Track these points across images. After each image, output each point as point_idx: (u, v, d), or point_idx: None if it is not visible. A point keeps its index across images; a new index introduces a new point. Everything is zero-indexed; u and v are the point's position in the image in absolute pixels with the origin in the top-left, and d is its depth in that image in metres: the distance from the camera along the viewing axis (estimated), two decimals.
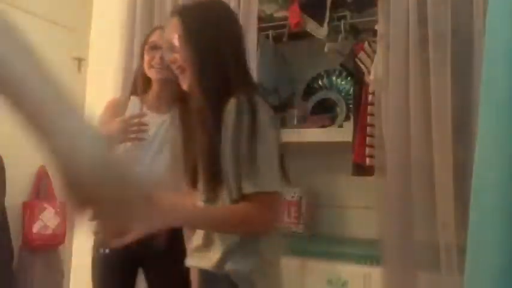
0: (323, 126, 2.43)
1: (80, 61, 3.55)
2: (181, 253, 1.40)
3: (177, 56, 1.25)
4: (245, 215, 1.14)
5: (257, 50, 2.24)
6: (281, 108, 2.60)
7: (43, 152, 0.64)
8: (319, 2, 2.29)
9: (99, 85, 2.54)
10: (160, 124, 1.56)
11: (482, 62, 1.05)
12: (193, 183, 1.24)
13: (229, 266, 1.16)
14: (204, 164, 1.17)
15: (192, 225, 1.23)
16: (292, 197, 2.42)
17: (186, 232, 1.62)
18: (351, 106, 2.43)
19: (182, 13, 1.26)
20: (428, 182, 1.74)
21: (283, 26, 2.42)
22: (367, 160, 2.06)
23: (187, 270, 1.41)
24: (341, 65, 2.32)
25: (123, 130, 1.43)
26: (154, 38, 1.58)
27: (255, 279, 1.16)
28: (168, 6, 2.32)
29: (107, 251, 1.50)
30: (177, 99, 1.58)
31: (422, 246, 1.73)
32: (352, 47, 2.24)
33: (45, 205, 3.21)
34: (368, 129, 2.07)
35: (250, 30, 2.14)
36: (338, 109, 2.57)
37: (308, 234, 2.40)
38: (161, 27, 1.59)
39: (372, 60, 2.09)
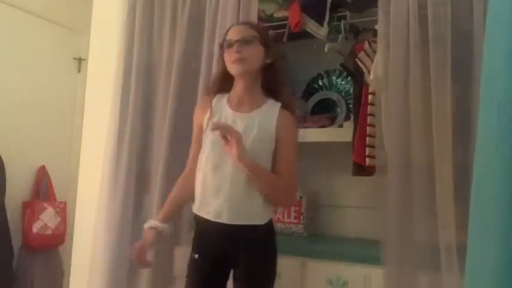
0: (323, 126, 2.43)
1: (80, 61, 3.56)
2: (265, 250, 1.69)
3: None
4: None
5: None
6: None
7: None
8: (319, 2, 2.29)
9: (99, 85, 2.54)
10: (245, 123, 1.70)
11: (482, 62, 1.05)
12: None
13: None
14: None
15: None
16: None
17: None
18: (350, 106, 2.43)
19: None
20: (428, 182, 1.74)
21: (283, 26, 2.42)
22: (367, 160, 2.06)
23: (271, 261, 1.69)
24: (341, 65, 2.32)
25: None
26: (230, 36, 1.72)
27: None
28: (168, 5, 2.32)
29: (197, 256, 1.68)
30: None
31: (422, 246, 1.73)
32: (352, 47, 2.24)
33: (45, 205, 3.21)
34: (368, 129, 2.07)
35: None
36: (338, 109, 2.57)
37: (308, 234, 2.40)
38: (233, 27, 1.77)
39: (372, 60, 2.09)
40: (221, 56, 1.77)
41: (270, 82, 1.75)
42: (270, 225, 1.70)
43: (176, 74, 2.25)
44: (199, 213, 1.70)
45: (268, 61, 1.73)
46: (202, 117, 1.77)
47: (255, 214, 1.65)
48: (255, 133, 1.66)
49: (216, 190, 1.65)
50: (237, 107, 1.73)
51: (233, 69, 1.71)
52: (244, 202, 1.64)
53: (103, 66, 2.49)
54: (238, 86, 1.74)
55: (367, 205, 2.24)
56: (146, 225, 1.77)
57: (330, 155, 2.47)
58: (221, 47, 1.76)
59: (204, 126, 1.74)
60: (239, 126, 1.66)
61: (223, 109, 1.74)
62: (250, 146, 1.61)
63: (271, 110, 1.71)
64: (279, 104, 1.72)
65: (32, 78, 3.27)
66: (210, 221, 1.65)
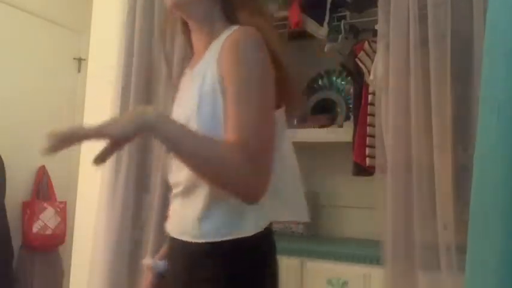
0: (323, 126, 2.43)
1: (80, 61, 3.56)
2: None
3: None
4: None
5: None
6: None
7: None
8: (319, 2, 2.29)
9: (99, 85, 2.54)
10: (185, 87, 1.16)
11: (482, 62, 1.05)
12: None
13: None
14: None
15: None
16: None
17: None
18: (351, 106, 2.43)
19: None
20: (428, 182, 1.74)
21: (283, 26, 2.42)
22: (367, 160, 2.06)
23: None
24: (341, 65, 2.32)
25: None
26: None
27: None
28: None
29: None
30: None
31: (422, 246, 1.73)
32: (352, 47, 2.24)
33: (45, 205, 3.21)
34: (368, 129, 2.08)
35: None
36: (338, 109, 2.57)
37: (308, 234, 2.40)
38: None
39: (372, 60, 2.09)
40: None
41: (226, 7, 1.10)
42: (235, 248, 0.99)
43: (176, 74, 2.24)
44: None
45: None
46: None
47: (195, 223, 1.01)
48: (194, 94, 1.03)
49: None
50: (194, 63, 1.14)
51: (166, 5, 1.11)
52: (183, 204, 1.07)
53: (103, 66, 2.49)
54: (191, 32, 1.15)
55: (367, 205, 2.24)
56: (143, 263, 1.22)
57: (330, 155, 2.47)
58: None
59: None
60: (182, 94, 1.14)
61: (183, 78, 1.19)
62: (195, 117, 0.99)
63: (217, 46, 1.04)
64: (229, 32, 1.04)
65: (32, 78, 3.27)
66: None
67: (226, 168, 0.92)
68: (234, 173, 0.92)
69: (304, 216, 1.16)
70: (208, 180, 0.97)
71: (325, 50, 2.29)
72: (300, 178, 1.18)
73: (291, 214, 1.14)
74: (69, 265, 2.58)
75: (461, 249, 1.56)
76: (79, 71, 3.58)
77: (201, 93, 1.01)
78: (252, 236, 0.99)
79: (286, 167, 1.11)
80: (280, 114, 1.08)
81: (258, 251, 1.02)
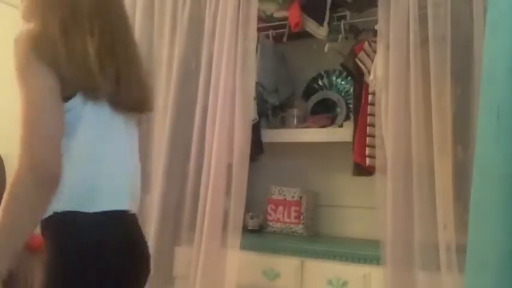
0: (323, 126, 2.43)
1: None
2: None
3: None
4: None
5: (257, 50, 2.24)
6: (281, 108, 2.60)
7: None
8: (319, 2, 2.29)
9: None
10: None
11: (482, 62, 1.06)
12: None
13: None
14: None
15: None
16: (293, 197, 2.43)
17: None
18: (350, 106, 2.43)
19: None
20: (428, 182, 1.74)
21: (283, 26, 2.42)
22: (367, 160, 2.06)
23: None
24: (341, 65, 2.32)
25: None
26: None
27: None
28: (168, 5, 2.32)
29: None
30: None
31: (422, 246, 1.73)
32: (352, 47, 2.24)
33: None
34: (368, 129, 2.08)
35: (250, 30, 2.14)
36: (338, 109, 2.57)
37: (308, 234, 2.40)
38: None
39: (372, 60, 2.09)
40: None
41: None
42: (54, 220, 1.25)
43: (176, 73, 2.24)
44: None
45: None
46: None
47: None
48: None
49: None
50: None
51: None
52: None
53: None
54: None
55: (367, 205, 2.24)
56: None
57: (330, 155, 2.47)
58: None
59: None
60: None
61: None
62: None
63: None
64: None
65: None
66: None
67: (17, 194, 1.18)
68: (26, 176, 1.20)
69: (124, 204, 1.32)
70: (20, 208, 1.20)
71: (325, 50, 2.29)
72: (127, 165, 1.38)
73: (109, 201, 1.27)
74: None
75: (461, 249, 1.55)
76: None
77: None
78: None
79: (94, 151, 1.27)
80: (77, 102, 1.22)
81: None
